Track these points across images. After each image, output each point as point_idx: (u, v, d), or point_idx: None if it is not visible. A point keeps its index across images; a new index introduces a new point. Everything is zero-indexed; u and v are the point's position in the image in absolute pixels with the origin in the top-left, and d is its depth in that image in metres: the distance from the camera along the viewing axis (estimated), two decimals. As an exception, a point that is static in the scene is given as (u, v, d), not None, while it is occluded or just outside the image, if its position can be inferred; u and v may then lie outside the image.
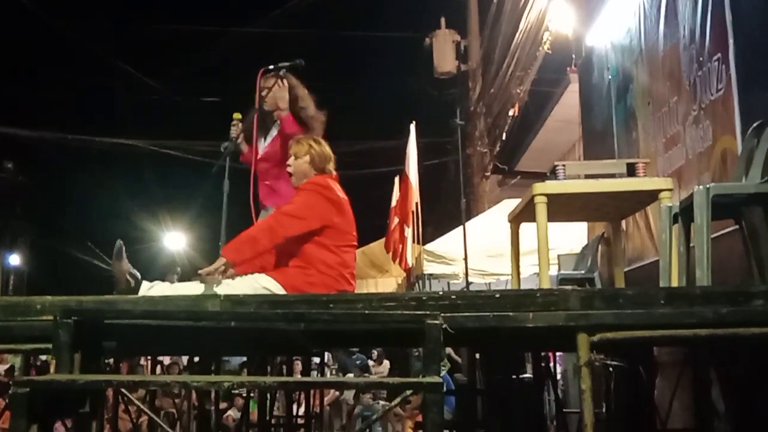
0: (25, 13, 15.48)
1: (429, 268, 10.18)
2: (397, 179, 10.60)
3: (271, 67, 4.81)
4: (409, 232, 9.72)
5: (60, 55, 26.01)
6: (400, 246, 9.88)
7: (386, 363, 15.27)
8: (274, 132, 5.19)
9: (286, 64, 4.80)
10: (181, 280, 4.27)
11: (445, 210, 17.26)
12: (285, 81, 5.12)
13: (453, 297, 3.11)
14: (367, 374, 13.70)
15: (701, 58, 5.11)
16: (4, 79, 20.83)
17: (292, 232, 3.97)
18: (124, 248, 3.97)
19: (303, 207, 4.01)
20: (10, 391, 2.62)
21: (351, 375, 12.68)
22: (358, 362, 14.41)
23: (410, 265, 10.10)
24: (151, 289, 3.94)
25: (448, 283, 10.64)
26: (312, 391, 6.93)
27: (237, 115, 5.16)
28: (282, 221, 3.99)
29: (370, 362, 15.12)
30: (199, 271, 3.91)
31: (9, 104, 20.62)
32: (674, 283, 4.13)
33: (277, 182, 5.09)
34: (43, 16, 15.57)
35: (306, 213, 4.00)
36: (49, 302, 3.16)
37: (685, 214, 3.99)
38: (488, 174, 14.42)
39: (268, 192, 5.15)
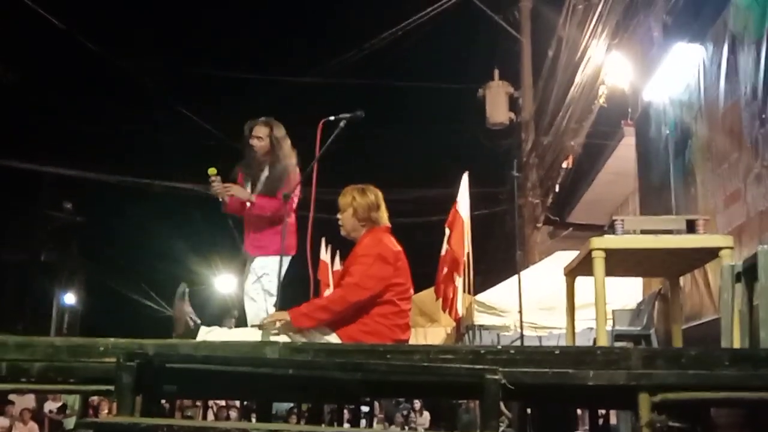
0: (89, 56, 15.96)
1: (480, 318, 10.08)
2: (447, 229, 10.56)
3: (332, 118, 4.89)
4: (459, 281, 9.65)
5: (118, 97, 26.82)
6: (451, 295, 9.81)
7: (426, 414, 15.13)
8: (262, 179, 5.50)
9: (347, 115, 4.87)
10: (237, 325, 4.31)
11: (494, 260, 17.18)
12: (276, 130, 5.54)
13: (511, 352, 3.09)
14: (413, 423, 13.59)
15: (764, 115, 5.06)
16: (65, 120, 21.46)
17: (358, 298, 4.06)
18: (187, 292, 4.05)
19: (366, 277, 4.09)
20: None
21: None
22: (404, 412, 14.31)
23: (460, 315, 10.01)
24: (209, 333, 4.00)
25: (498, 335, 10.51)
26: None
27: (212, 171, 5.49)
28: (350, 293, 4.08)
29: (412, 413, 15.01)
30: (260, 322, 3.97)
31: (69, 145, 21.21)
32: (736, 344, 4.04)
33: (259, 233, 5.44)
34: (101, 57, 15.99)
35: (369, 283, 4.09)
36: (112, 344, 3.22)
37: (748, 273, 3.92)
38: (540, 225, 14.35)
39: (252, 241, 5.46)
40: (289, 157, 5.49)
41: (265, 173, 5.49)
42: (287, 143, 5.55)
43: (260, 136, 5.53)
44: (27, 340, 3.32)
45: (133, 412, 2.90)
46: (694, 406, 3.66)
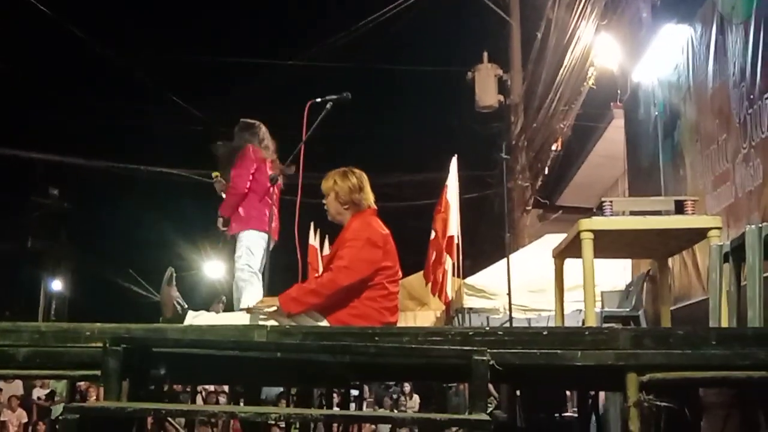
0: (76, 43, 15.87)
1: (469, 302, 10.10)
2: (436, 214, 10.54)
3: (319, 100, 4.88)
4: (449, 264, 9.65)
5: (107, 83, 26.63)
6: (440, 279, 9.80)
7: (416, 398, 15.18)
8: None
9: (334, 97, 4.85)
10: (226, 310, 4.30)
11: (483, 244, 17.18)
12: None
13: (500, 333, 3.09)
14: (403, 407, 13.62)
15: (752, 96, 5.05)
16: (53, 107, 21.31)
17: (347, 282, 4.03)
18: (174, 276, 4.02)
19: (356, 260, 4.07)
20: (60, 417, 2.65)
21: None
22: (394, 396, 14.33)
23: (450, 299, 10.01)
24: (197, 317, 3.97)
25: (488, 318, 10.55)
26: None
27: (216, 174, 6.21)
28: (340, 276, 4.05)
29: (401, 397, 15.04)
30: (248, 306, 3.94)
31: (55, 132, 21.07)
32: (724, 323, 4.05)
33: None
34: (91, 45, 15.88)
35: (359, 266, 4.06)
36: (99, 329, 3.19)
37: (736, 253, 3.93)
38: (529, 208, 14.35)
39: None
40: (236, 142, 5.97)
41: None
42: (241, 131, 6.02)
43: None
44: (13, 326, 3.29)
45: (119, 397, 2.88)
46: (682, 386, 3.68)
